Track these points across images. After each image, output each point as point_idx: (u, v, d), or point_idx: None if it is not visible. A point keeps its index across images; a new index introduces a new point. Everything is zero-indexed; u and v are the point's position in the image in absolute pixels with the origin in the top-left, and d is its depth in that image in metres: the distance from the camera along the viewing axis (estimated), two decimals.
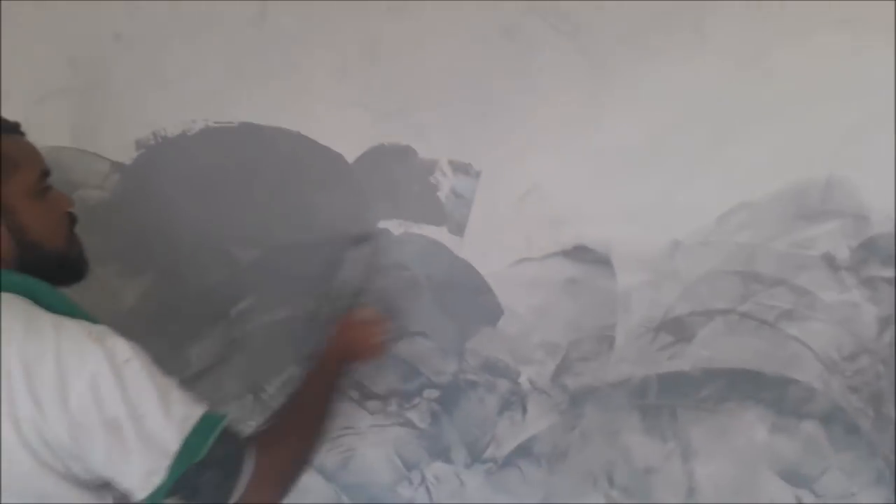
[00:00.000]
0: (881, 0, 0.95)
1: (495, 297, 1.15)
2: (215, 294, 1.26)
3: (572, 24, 1.04)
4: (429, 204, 1.16)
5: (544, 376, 1.15)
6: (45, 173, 0.87)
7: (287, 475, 0.84)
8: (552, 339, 1.14)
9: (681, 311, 1.08)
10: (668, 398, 1.10)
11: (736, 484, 1.09)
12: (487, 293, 1.15)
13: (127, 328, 0.78)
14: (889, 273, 1.00)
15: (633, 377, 1.12)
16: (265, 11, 1.15)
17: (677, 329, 1.09)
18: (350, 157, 1.17)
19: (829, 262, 1.02)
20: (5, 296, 0.76)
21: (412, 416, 1.22)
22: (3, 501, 0.71)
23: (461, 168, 1.14)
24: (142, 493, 0.74)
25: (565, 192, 1.10)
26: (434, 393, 1.21)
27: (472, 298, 1.15)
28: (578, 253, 1.10)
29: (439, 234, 1.16)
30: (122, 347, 0.75)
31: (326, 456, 1.24)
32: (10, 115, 0.87)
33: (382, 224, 1.18)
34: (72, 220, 0.90)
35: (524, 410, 1.17)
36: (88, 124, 1.25)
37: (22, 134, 0.88)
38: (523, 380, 1.16)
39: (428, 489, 1.23)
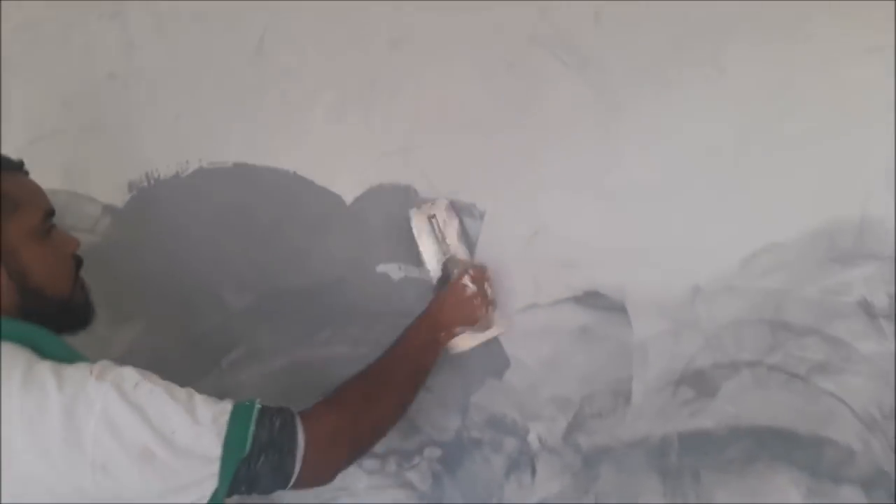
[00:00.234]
0: None
1: (501, 347, 1.10)
2: (206, 343, 1.20)
3: (581, 57, 1.01)
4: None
5: (555, 434, 1.09)
6: (49, 213, 0.84)
7: (356, 435, 0.84)
8: (563, 394, 1.08)
9: (703, 362, 1.02)
10: (690, 459, 1.04)
11: None
12: (493, 342, 1.09)
13: None
14: None
15: (652, 435, 1.05)
16: (261, 46, 1.12)
17: (699, 383, 1.03)
18: (348, 198, 1.13)
19: (866, 309, 0.96)
20: (4, 345, 0.73)
21: (412, 476, 1.15)
22: None
23: (465, 208, 1.09)
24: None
25: (576, 233, 1.05)
26: (436, 451, 1.14)
27: (476, 350, 1.08)
28: (591, 299, 1.05)
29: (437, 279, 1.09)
30: (128, 374, 0.73)
31: None
32: None
33: (381, 268, 1.13)
34: (77, 263, 0.87)
35: (533, 472, 1.10)
36: (81, 166, 1.22)
37: (25, 173, 0.86)
38: (532, 438, 1.10)
39: None
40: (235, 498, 0.77)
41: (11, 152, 0.88)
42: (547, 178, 1.05)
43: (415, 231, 1.07)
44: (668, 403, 1.04)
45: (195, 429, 0.72)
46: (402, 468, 1.15)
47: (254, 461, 0.74)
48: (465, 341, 1.04)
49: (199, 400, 0.74)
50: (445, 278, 1.04)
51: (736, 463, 1.02)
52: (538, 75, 1.02)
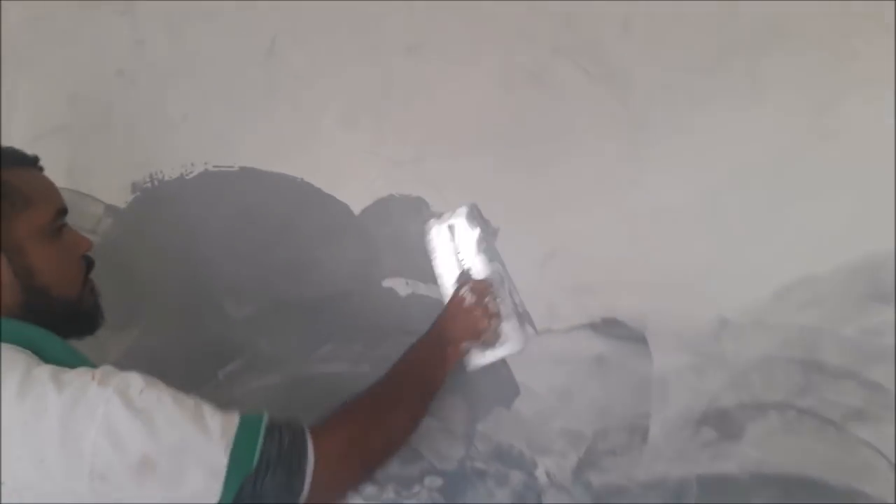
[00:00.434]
0: None
1: (510, 374, 1.06)
2: (204, 352, 1.18)
3: (607, 68, 0.96)
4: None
5: (565, 470, 1.04)
6: (61, 212, 0.83)
7: (367, 454, 0.81)
8: (575, 427, 1.04)
9: (727, 402, 0.96)
10: None
11: None
12: (502, 368, 1.05)
13: None
14: None
15: (669, 478, 0.99)
16: (273, 48, 1.09)
17: (723, 423, 0.97)
18: (356, 208, 1.10)
19: None
20: (4, 347, 0.71)
21: None
22: None
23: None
24: None
25: (595, 255, 1.00)
26: (437, 481, 1.10)
27: (483, 373, 1.04)
28: (608, 327, 1.00)
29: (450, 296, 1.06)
30: (133, 380, 0.70)
31: None
32: None
33: (387, 283, 1.10)
34: (88, 265, 0.86)
35: None
36: (85, 164, 1.22)
37: (40, 169, 0.85)
38: (540, 472, 1.06)
39: None
40: None
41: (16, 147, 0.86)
42: (566, 195, 1.00)
43: (429, 244, 1.03)
44: (687, 444, 0.99)
45: (201, 439, 0.68)
46: (401, 496, 1.11)
47: (260, 477, 0.70)
48: (478, 357, 1.00)
49: (208, 410, 0.72)
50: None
51: None
52: (560, 86, 0.98)
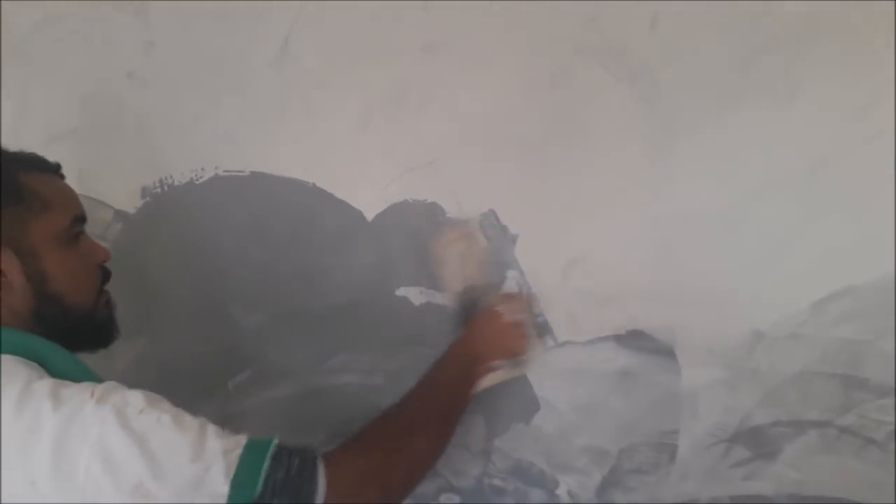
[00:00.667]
0: None
1: (530, 388, 1.04)
2: (213, 362, 1.16)
3: (632, 69, 0.93)
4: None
5: (588, 489, 1.04)
6: (79, 219, 0.83)
7: (387, 484, 0.77)
8: (599, 444, 1.02)
9: (762, 419, 0.95)
10: None
11: None
12: (521, 382, 1.03)
13: None
14: None
15: (699, 499, 0.99)
16: (286, 49, 1.07)
17: (757, 442, 0.96)
18: (370, 214, 1.07)
19: None
20: (5, 359, 0.70)
21: None
22: None
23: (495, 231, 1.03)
24: None
25: (619, 263, 0.98)
26: (453, 498, 1.10)
27: (502, 387, 1.01)
28: (634, 339, 0.98)
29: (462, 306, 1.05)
30: (133, 399, 0.68)
31: None
32: None
33: (401, 292, 1.07)
34: (104, 275, 0.85)
35: None
36: (95, 169, 1.20)
37: (62, 177, 0.86)
38: (562, 491, 1.05)
39: None
40: None
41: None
42: (589, 201, 0.98)
43: (440, 252, 1.01)
44: (718, 463, 0.98)
45: (200, 465, 0.65)
46: None
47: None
48: (492, 378, 0.96)
49: (212, 432, 0.69)
50: (467, 307, 0.98)
51: None
52: (584, 88, 0.95)
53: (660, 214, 0.95)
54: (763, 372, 0.94)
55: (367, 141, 1.06)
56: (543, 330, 0.99)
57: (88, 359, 0.82)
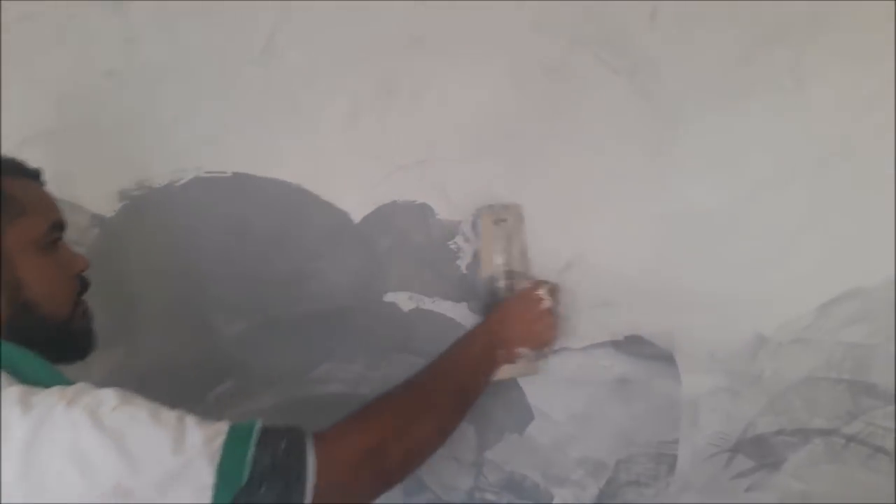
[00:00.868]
0: None
1: (524, 397, 1.03)
2: (193, 373, 1.14)
3: (631, 61, 0.93)
4: (447, 275, 1.04)
5: (584, 502, 1.02)
6: (58, 226, 0.82)
7: (385, 466, 0.75)
8: (595, 455, 1.01)
9: (765, 428, 0.96)
10: None
11: None
12: (514, 390, 1.03)
13: None
14: None
15: None
16: (269, 46, 1.06)
17: (760, 451, 0.97)
18: (356, 215, 1.06)
19: None
20: None
21: None
22: None
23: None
24: None
25: (617, 266, 0.98)
26: None
27: (493, 396, 1.01)
28: (632, 345, 0.98)
29: (458, 312, 1.04)
30: (106, 397, 0.66)
31: None
32: None
33: (390, 297, 1.05)
34: (82, 285, 0.84)
35: None
36: (70, 171, 1.17)
37: (42, 183, 0.86)
38: None
39: None
40: None
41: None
42: (586, 200, 0.98)
43: (480, 232, 0.98)
44: (720, 474, 0.98)
45: (182, 457, 0.64)
46: None
47: (254, 490, 0.65)
48: (507, 369, 0.93)
49: (191, 422, 0.67)
50: (499, 292, 0.96)
51: None
52: (581, 81, 0.95)
53: (659, 214, 0.95)
54: (766, 378, 0.95)
55: (353, 140, 1.04)
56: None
57: (65, 370, 0.80)
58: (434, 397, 0.82)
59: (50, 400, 0.64)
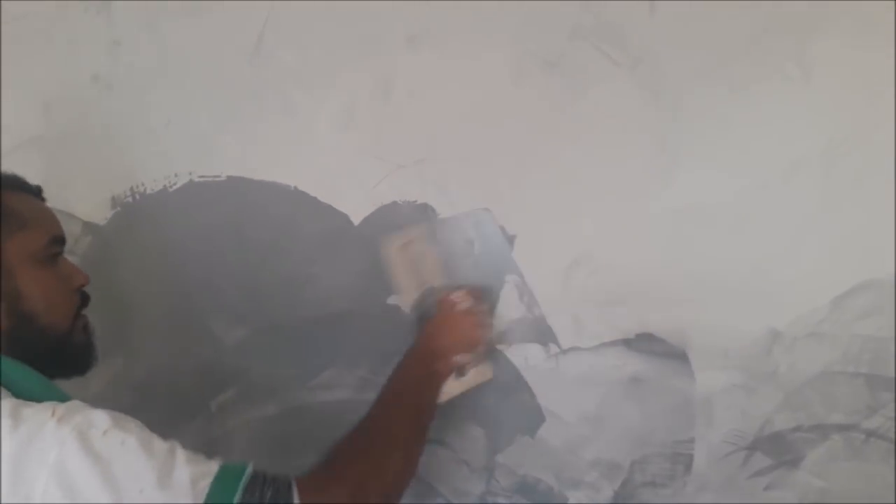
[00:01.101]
0: None
1: (534, 398, 1.03)
2: (194, 382, 1.14)
3: (633, 54, 0.93)
4: (449, 276, 1.04)
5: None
6: (58, 240, 0.84)
7: (372, 500, 0.77)
8: (609, 457, 1.02)
9: (782, 425, 0.96)
10: None
11: None
12: (524, 392, 1.03)
13: None
14: None
15: None
16: (261, 44, 1.06)
17: (778, 449, 0.96)
18: (356, 217, 1.06)
19: None
20: None
21: None
22: None
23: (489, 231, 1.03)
24: None
25: (625, 262, 0.98)
26: None
27: (504, 398, 1.03)
28: (644, 343, 0.98)
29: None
30: (98, 419, 0.66)
31: None
32: None
33: (393, 300, 1.05)
34: (83, 299, 0.85)
35: None
36: (60, 178, 1.17)
37: (42, 199, 0.88)
38: None
39: None
40: None
41: None
42: (591, 196, 0.98)
43: (386, 261, 1.01)
44: (737, 473, 0.97)
45: (167, 492, 0.64)
46: None
47: None
48: (451, 387, 0.95)
49: (181, 457, 0.67)
50: (426, 312, 0.98)
51: None
52: (581, 75, 0.95)
53: (667, 208, 0.95)
54: (782, 374, 0.94)
55: (350, 140, 1.05)
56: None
57: (63, 381, 0.81)
58: (394, 430, 0.83)
59: (41, 416, 0.65)
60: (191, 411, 1.14)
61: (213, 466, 0.68)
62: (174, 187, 1.12)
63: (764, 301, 0.93)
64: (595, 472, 1.02)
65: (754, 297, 0.94)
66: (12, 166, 0.93)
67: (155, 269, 1.15)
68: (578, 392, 1.02)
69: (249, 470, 0.69)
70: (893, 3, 0.84)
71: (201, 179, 1.11)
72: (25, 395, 0.70)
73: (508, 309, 1.02)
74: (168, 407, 1.16)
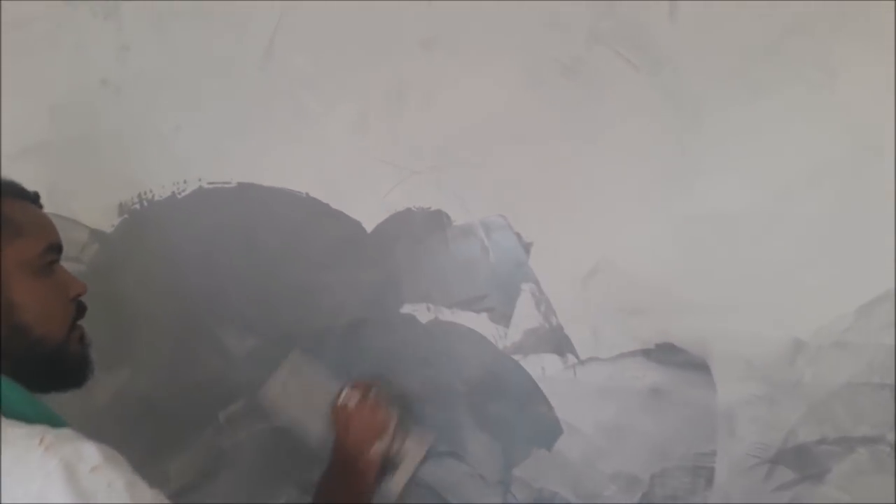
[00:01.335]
0: None
1: (552, 410, 1.02)
2: (202, 393, 1.15)
3: (652, 58, 0.93)
4: (466, 284, 1.05)
5: None
6: (54, 248, 0.83)
7: None
8: (629, 470, 1.01)
9: (806, 437, 0.94)
10: None
11: None
12: (541, 403, 1.03)
13: (96, 433, 0.68)
14: None
15: None
16: (272, 49, 1.07)
17: (802, 462, 0.94)
18: (369, 224, 1.07)
19: None
20: None
21: None
22: None
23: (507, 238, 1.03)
24: None
25: (645, 271, 0.97)
26: None
27: (520, 410, 1.03)
28: (664, 353, 0.97)
29: (478, 322, 1.04)
30: (88, 453, 0.65)
31: None
32: None
33: (406, 309, 1.06)
34: (79, 310, 0.85)
35: None
36: (67, 185, 1.19)
37: (40, 206, 0.88)
38: None
39: None
40: None
41: None
42: (609, 203, 0.97)
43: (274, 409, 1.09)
44: (760, 487, 0.96)
45: None
46: None
47: None
48: (390, 483, 1.00)
49: None
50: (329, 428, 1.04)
51: None
52: (600, 79, 0.95)
53: (688, 215, 0.94)
54: (806, 385, 0.93)
55: (363, 145, 1.05)
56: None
57: (67, 395, 0.81)
58: None
59: (29, 441, 0.64)
60: (199, 423, 1.15)
61: None
62: (183, 194, 1.13)
63: (787, 310, 0.92)
64: (614, 485, 1.02)
65: (777, 305, 0.93)
66: (18, 171, 0.94)
67: (163, 278, 1.16)
68: (597, 403, 1.01)
69: None
70: None
71: (211, 186, 1.12)
72: (15, 413, 0.69)
73: (525, 318, 1.02)
74: (176, 418, 1.17)
